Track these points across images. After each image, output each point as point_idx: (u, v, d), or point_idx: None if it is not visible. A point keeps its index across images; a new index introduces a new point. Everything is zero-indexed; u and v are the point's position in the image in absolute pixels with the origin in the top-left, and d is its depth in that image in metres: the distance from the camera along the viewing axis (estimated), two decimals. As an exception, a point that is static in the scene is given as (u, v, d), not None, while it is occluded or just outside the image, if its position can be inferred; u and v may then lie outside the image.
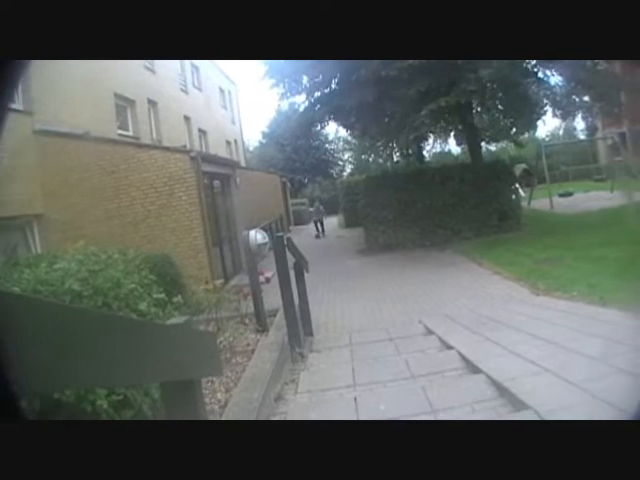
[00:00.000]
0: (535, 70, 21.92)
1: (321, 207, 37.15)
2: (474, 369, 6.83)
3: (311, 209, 41.80)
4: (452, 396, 5.97)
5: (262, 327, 9.49)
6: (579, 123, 51.69)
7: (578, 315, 8.38)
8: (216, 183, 20.41)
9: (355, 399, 6.30)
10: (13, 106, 12.51)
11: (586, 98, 23.32)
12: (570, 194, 33.18)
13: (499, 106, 24.15)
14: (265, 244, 10.21)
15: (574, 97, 22.89)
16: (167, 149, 18.05)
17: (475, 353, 7.32)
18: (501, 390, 5.86)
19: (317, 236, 33.91)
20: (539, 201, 30.18)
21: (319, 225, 35.36)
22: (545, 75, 22.95)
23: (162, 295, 6.45)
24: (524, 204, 28.24)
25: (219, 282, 13.56)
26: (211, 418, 5.23)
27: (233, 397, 6.25)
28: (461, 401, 5.78)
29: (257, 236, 10.01)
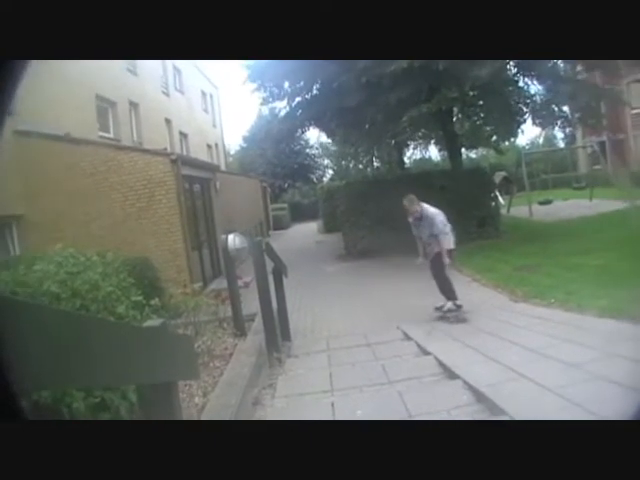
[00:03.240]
0: (516, 79, 22.05)
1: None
2: (451, 375, 6.86)
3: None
4: (429, 401, 6.00)
5: (240, 331, 9.47)
6: (559, 132, 51.99)
7: (555, 322, 8.43)
8: (196, 187, 20.33)
9: (332, 404, 6.32)
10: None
11: (565, 108, 23.46)
12: (549, 202, 33.34)
13: (480, 113, 24.23)
14: (243, 248, 10.17)
15: (553, 107, 23.02)
16: (147, 151, 17.98)
17: (452, 359, 7.36)
18: (478, 396, 5.90)
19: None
20: (518, 209, 30.29)
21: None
22: (525, 84, 23.12)
23: (140, 298, 6.44)
24: (503, 211, 28.35)
25: (197, 286, 13.54)
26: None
27: (210, 401, 6.24)
28: (438, 406, 5.81)
29: (236, 240, 9.97)
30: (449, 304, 10.74)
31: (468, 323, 9.81)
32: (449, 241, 10.89)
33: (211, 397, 6.40)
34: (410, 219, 11.38)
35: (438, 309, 11.00)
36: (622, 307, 8.49)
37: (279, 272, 10.73)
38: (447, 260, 10.76)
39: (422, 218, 11.08)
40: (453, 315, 10.55)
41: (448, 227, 10.99)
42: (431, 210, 11.15)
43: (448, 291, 10.93)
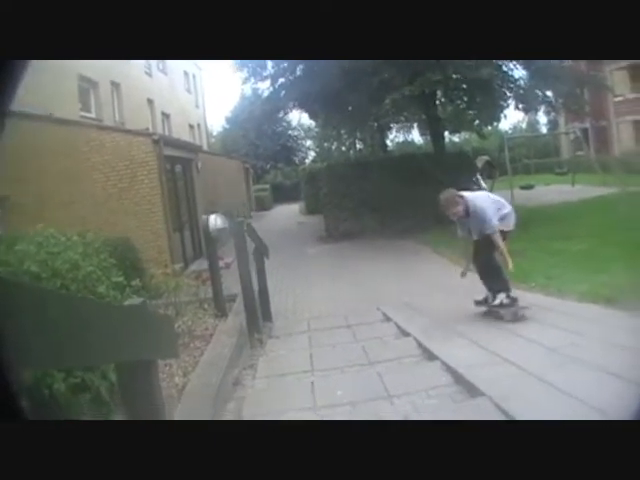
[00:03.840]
0: (499, 63, 22.05)
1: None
2: (430, 356, 6.90)
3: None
4: (408, 382, 6.04)
5: (221, 312, 9.46)
6: (542, 117, 52.13)
7: (536, 306, 8.46)
8: (178, 167, 20.29)
9: (312, 384, 6.35)
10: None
11: (549, 93, 23.49)
12: (531, 187, 33.44)
13: (463, 97, 24.20)
14: (225, 229, 10.14)
15: (537, 91, 23.05)
16: (129, 132, 17.92)
17: (432, 341, 7.41)
18: (457, 377, 5.94)
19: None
20: (500, 193, 30.25)
21: None
22: (509, 69, 23.11)
23: (121, 279, 6.45)
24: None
25: (178, 266, 13.54)
26: (169, 402, 5.23)
27: (191, 381, 6.25)
28: (417, 387, 5.85)
29: (217, 221, 9.92)
30: (501, 296, 8.44)
31: (449, 306, 9.79)
32: (506, 224, 8.66)
33: (192, 377, 6.41)
34: (453, 218, 8.88)
35: (481, 303, 8.85)
36: (602, 292, 8.56)
37: (260, 253, 10.73)
38: (501, 243, 8.43)
39: (470, 215, 8.57)
40: (508, 311, 8.24)
41: (505, 209, 8.79)
42: (479, 201, 8.67)
43: (498, 281, 8.61)
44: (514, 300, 8.40)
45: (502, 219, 8.55)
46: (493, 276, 8.65)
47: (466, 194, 8.79)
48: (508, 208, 8.82)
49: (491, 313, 8.50)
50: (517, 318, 8.03)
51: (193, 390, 5.94)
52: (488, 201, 8.72)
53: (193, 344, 7.92)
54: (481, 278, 8.87)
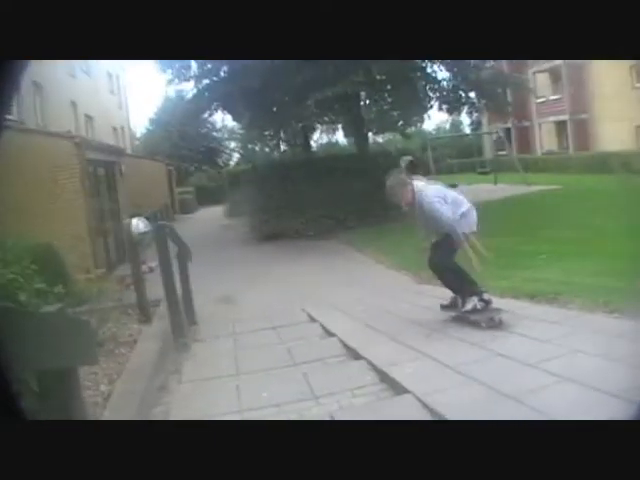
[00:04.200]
0: (423, 65, 22.30)
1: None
2: (355, 355, 6.95)
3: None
4: (333, 382, 6.07)
5: (145, 317, 9.37)
6: (466, 117, 52.85)
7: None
8: (101, 170, 20.05)
9: (237, 387, 6.34)
10: None
11: (472, 94, 23.86)
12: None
13: (387, 98, 24.38)
14: (147, 233, 10.03)
15: (461, 93, 23.40)
16: (51, 135, 17.67)
17: (356, 340, 7.49)
18: (382, 375, 6.00)
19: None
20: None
21: None
22: (433, 70, 23.43)
23: (43, 285, 6.35)
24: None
25: (101, 271, 13.38)
26: (94, 410, 5.18)
27: (116, 389, 6.19)
28: (342, 387, 5.88)
29: (139, 225, 9.83)
30: (473, 301, 7.43)
31: (373, 305, 9.87)
32: (467, 224, 7.72)
33: (117, 384, 6.34)
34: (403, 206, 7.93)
35: (449, 307, 7.96)
36: (524, 288, 8.75)
37: (183, 256, 10.66)
38: (464, 245, 7.54)
39: (416, 207, 7.71)
40: (483, 317, 7.24)
41: (464, 207, 7.82)
42: (428, 194, 7.66)
43: (464, 285, 7.64)
44: (488, 303, 7.49)
45: (461, 218, 7.61)
46: (456, 280, 7.70)
47: (416, 182, 7.82)
48: (467, 206, 7.90)
49: (462, 319, 7.55)
50: (494, 324, 7.09)
51: (118, 397, 5.88)
52: (440, 194, 7.72)
53: (118, 350, 7.83)
54: (444, 284, 8.01)
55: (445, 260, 7.67)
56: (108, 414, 5.32)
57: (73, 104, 32.20)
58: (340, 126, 35.22)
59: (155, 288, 10.27)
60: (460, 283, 7.67)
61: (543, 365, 5.32)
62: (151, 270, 13.52)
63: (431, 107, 24.13)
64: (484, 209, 21.34)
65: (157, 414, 5.92)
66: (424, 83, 22.92)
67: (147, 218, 10.00)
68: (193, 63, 22.41)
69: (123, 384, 6.28)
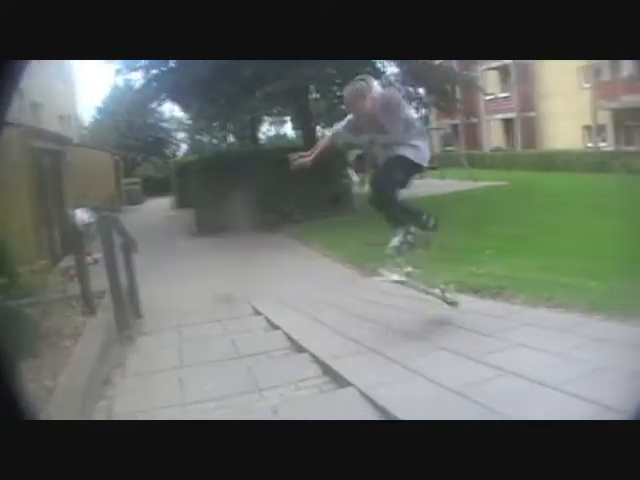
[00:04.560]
0: (373, 60, 22.37)
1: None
2: (299, 348, 6.97)
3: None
4: (277, 375, 6.08)
5: (90, 309, 9.24)
6: (414, 113, 53.27)
7: (400, 296, 8.59)
8: (46, 160, 19.73)
9: (181, 380, 6.31)
10: None
11: (421, 90, 24.02)
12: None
13: (337, 92, 24.42)
14: (92, 224, 9.93)
15: (409, 88, 23.54)
16: (-5, 122, 17.37)
17: (300, 333, 7.51)
18: (325, 368, 6.02)
19: None
20: (371, 186, 30.80)
21: None
22: (383, 66, 23.51)
23: (-16, 278, 6.26)
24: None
25: (44, 263, 13.19)
26: (38, 405, 5.10)
27: (59, 382, 6.11)
28: (286, 379, 5.89)
29: (83, 215, 9.74)
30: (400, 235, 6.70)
31: (318, 298, 9.89)
32: (424, 157, 6.71)
33: (60, 378, 6.26)
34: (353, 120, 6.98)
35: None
36: (467, 282, 8.84)
37: (128, 248, 10.56)
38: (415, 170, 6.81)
39: (382, 113, 6.48)
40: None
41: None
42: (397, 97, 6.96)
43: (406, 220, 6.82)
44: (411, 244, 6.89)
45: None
46: (402, 215, 6.86)
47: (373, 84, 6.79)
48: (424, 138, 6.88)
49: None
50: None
51: (61, 391, 5.81)
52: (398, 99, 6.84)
53: (62, 343, 7.72)
54: (386, 218, 6.92)
55: (392, 189, 6.69)
56: (52, 409, 5.25)
57: (19, 91, 31.69)
58: (289, 118, 35.29)
59: (100, 280, 10.17)
60: (404, 218, 6.82)
61: (486, 359, 5.38)
62: (96, 261, 13.39)
63: (380, 102, 24.21)
64: (431, 204, 21.65)
65: (100, 408, 5.87)
66: (373, 78, 22.99)
67: (92, 209, 9.88)
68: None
69: (66, 378, 6.18)
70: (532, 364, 5.04)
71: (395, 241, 6.66)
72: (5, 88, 2.17)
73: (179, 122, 63.71)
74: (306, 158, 6.72)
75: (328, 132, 7.43)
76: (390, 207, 6.74)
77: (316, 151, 6.89)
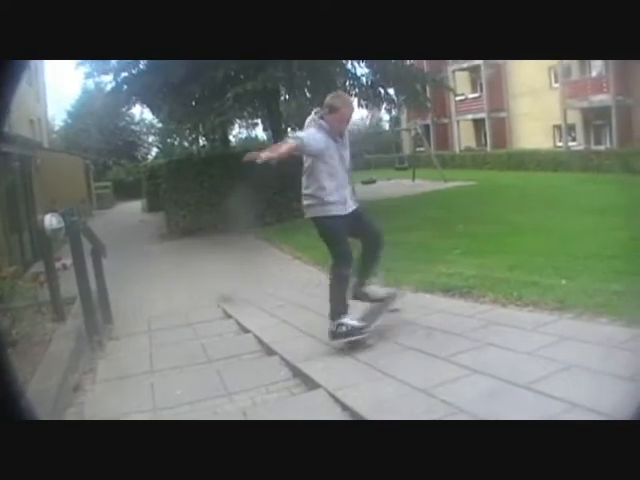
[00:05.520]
0: (344, 61, 22.40)
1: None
2: (270, 351, 6.99)
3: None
4: (247, 378, 6.12)
5: (59, 315, 9.21)
6: (385, 114, 53.38)
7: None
8: (15, 165, 19.61)
9: (152, 385, 6.31)
10: None
11: (391, 91, 24.08)
12: (373, 181, 34.09)
13: (307, 94, 24.43)
14: (61, 229, 9.84)
15: (380, 89, 23.59)
16: (-38, 127, 17.24)
17: (271, 336, 7.53)
18: (295, 371, 6.07)
19: None
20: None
21: None
22: (353, 66, 23.55)
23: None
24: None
25: (14, 269, 13.10)
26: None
27: (29, 389, 6.08)
28: (256, 383, 5.94)
29: (52, 221, 9.64)
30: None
31: (288, 300, 9.88)
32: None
33: (30, 385, 6.23)
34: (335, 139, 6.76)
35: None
36: (437, 282, 8.87)
37: (98, 254, 10.51)
38: None
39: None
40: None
41: None
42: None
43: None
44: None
45: None
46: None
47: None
48: None
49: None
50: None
51: (32, 399, 5.78)
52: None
53: (31, 350, 7.69)
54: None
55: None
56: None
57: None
58: (259, 121, 35.21)
59: (70, 286, 10.11)
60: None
61: (454, 358, 5.44)
62: (65, 267, 13.31)
63: (350, 103, 24.24)
64: (401, 204, 21.77)
65: (71, 415, 5.85)
66: (344, 79, 23.01)
67: (62, 214, 9.78)
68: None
69: (36, 384, 6.16)
70: (501, 363, 5.10)
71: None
72: (5, 88, 2.18)
73: (150, 125, 63.43)
74: (264, 154, 6.22)
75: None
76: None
77: (281, 151, 6.55)
